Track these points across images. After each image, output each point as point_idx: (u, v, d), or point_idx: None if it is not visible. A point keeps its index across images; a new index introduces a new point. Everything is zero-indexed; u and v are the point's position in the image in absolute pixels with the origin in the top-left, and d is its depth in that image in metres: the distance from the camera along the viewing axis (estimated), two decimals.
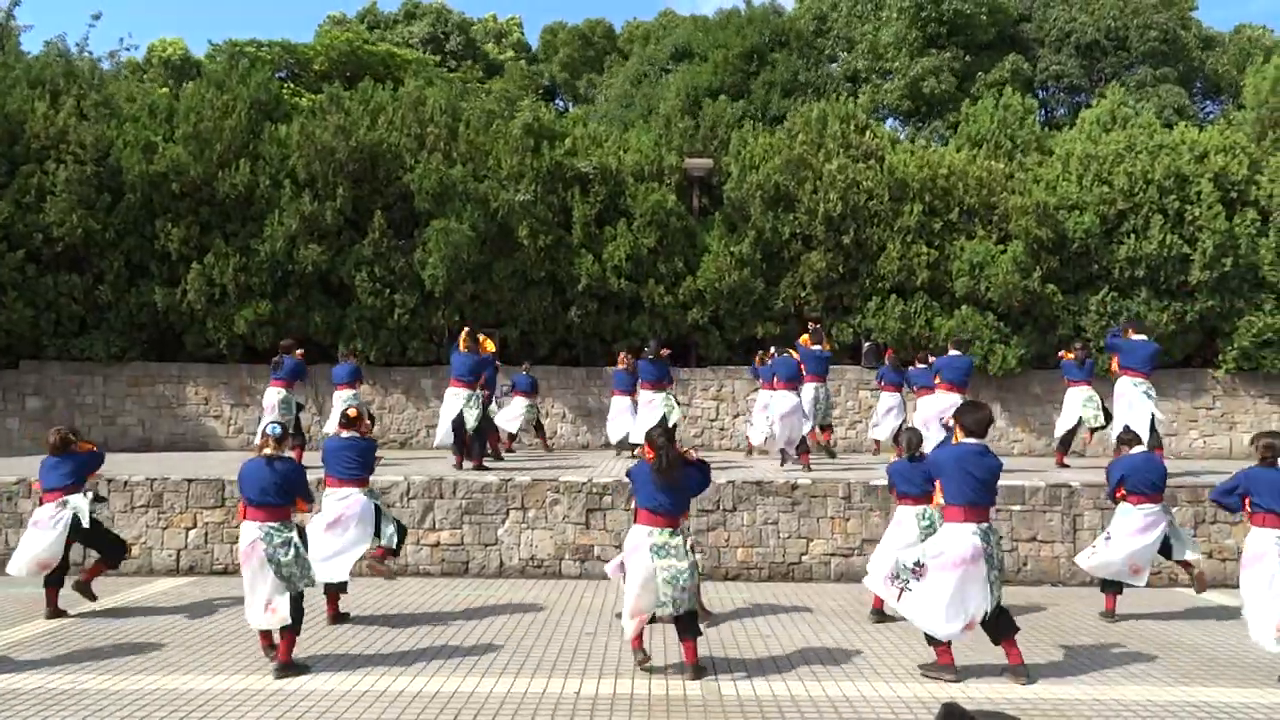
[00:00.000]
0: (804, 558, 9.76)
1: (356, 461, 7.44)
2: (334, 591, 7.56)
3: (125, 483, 10.02)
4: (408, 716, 5.48)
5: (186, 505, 9.90)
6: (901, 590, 6.16)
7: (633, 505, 6.66)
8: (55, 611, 7.76)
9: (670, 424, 10.96)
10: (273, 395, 11.48)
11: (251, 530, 6.27)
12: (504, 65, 31.46)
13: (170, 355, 14.61)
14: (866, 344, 14.43)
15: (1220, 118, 20.83)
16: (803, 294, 14.48)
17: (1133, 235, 14.05)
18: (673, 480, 6.04)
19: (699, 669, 6.18)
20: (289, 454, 6.72)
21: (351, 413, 7.76)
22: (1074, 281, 14.38)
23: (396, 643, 7.07)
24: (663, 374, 11.89)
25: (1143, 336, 10.69)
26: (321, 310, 14.30)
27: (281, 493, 6.32)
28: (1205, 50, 24.44)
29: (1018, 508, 9.78)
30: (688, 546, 6.13)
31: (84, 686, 5.99)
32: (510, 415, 13.29)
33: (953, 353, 11.56)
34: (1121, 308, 14.05)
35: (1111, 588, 7.99)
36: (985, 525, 6.07)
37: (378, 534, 7.49)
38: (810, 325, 12.62)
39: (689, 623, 6.15)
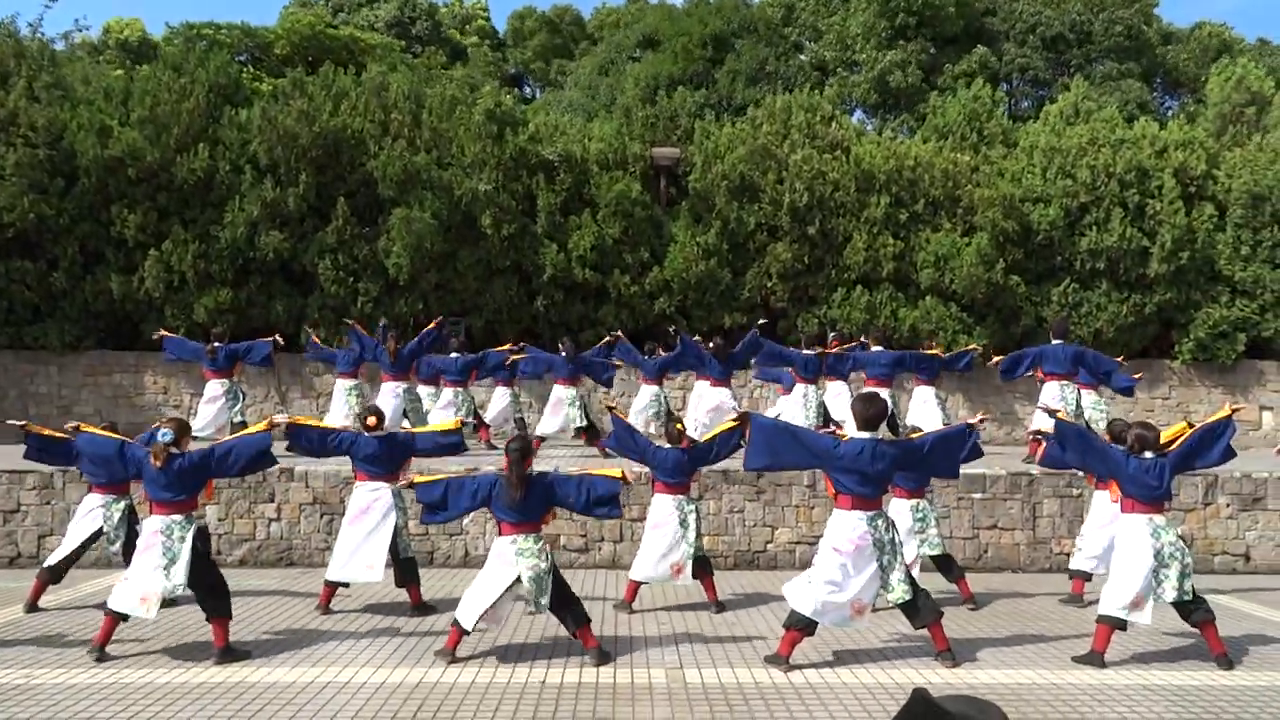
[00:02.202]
0: (769, 546, 9.82)
1: (386, 458, 7.46)
2: (333, 585, 7.57)
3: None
4: (370, 708, 5.43)
5: (145, 496, 9.70)
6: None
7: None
8: (34, 606, 7.62)
9: (576, 425, 11.69)
10: (216, 387, 11.28)
11: (155, 522, 6.31)
12: (468, 50, 31.19)
13: (127, 344, 14.32)
14: (832, 334, 14.51)
15: (1180, 113, 21.19)
16: (769, 284, 14.52)
17: (1094, 228, 14.26)
18: (513, 499, 6.20)
19: (600, 654, 6.31)
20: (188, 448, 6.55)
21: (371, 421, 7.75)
22: (1037, 273, 14.56)
23: (361, 634, 7.01)
24: (577, 370, 11.81)
25: (1060, 341, 11.09)
26: (283, 299, 14.09)
27: (184, 487, 6.33)
28: (1166, 46, 24.80)
29: (979, 495, 9.91)
30: (542, 548, 6.31)
31: (38, 681, 5.86)
32: (497, 408, 12.63)
33: (875, 349, 11.70)
34: (1082, 299, 14.27)
35: (1080, 574, 8.11)
36: (874, 513, 6.13)
37: (396, 550, 7.47)
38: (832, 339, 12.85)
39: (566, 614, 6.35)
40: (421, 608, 7.58)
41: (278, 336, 11.96)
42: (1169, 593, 6.23)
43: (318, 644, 6.74)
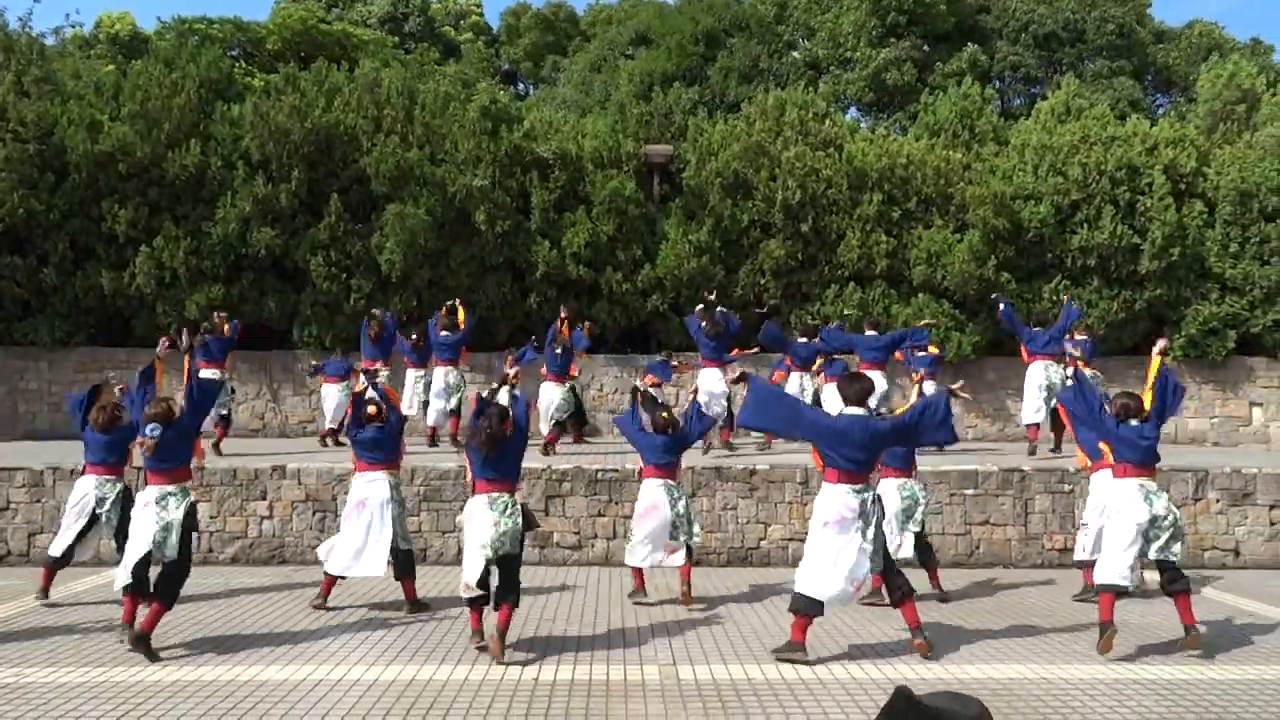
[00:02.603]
0: (762, 543, 9.83)
1: (385, 445, 7.61)
2: (334, 577, 7.58)
3: (72, 470, 9.76)
4: (363, 706, 5.42)
5: (137, 492, 9.68)
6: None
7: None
8: (46, 593, 7.70)
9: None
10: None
11: (150, 492, 6.52)
12: (462, 47, 31.14)
13: (118, 340, 14.26)
14: (824, 331, 14.51)
15: (1171, 110, 21.26)
16: (762, 281, 14.54)
17: (1085, 225, 14.30)
18: (490, 452, 6.39)
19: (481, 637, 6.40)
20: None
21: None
22: (1028, 270, 14.60)
23: (353, 631, 7.01)
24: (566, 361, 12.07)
25: (1040, 328, 11.48)
26: (275, 295, 14.05)
27: (174, 454, 6.59)
28: (1158, 45, 24.89)
29: (971, 491, 9.94)
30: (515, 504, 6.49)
31: (28, 680, 5.85)
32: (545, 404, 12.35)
33: (869, 332, 11.99)
34: (1073, 296, 14.31)
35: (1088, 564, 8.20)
36: (860, 486, 6.24)
37: (394, 541, 7.49)
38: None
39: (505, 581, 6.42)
40: (415, 605, 7.58)
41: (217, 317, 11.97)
42: (1153, 551, 6.42)
43: (310, 642, 6.73)
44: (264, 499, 9.78)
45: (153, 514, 6.38)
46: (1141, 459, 6.56)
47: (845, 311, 14.23)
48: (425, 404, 11.94)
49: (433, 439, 12.09)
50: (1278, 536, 10.11)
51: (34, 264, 13.68)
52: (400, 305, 14.05)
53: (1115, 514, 6.61)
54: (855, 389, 6.40)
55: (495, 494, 6.40)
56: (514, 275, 14.43)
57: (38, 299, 13.79)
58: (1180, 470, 10.17)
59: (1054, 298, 14.28)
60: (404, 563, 7.60)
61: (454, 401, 11.80)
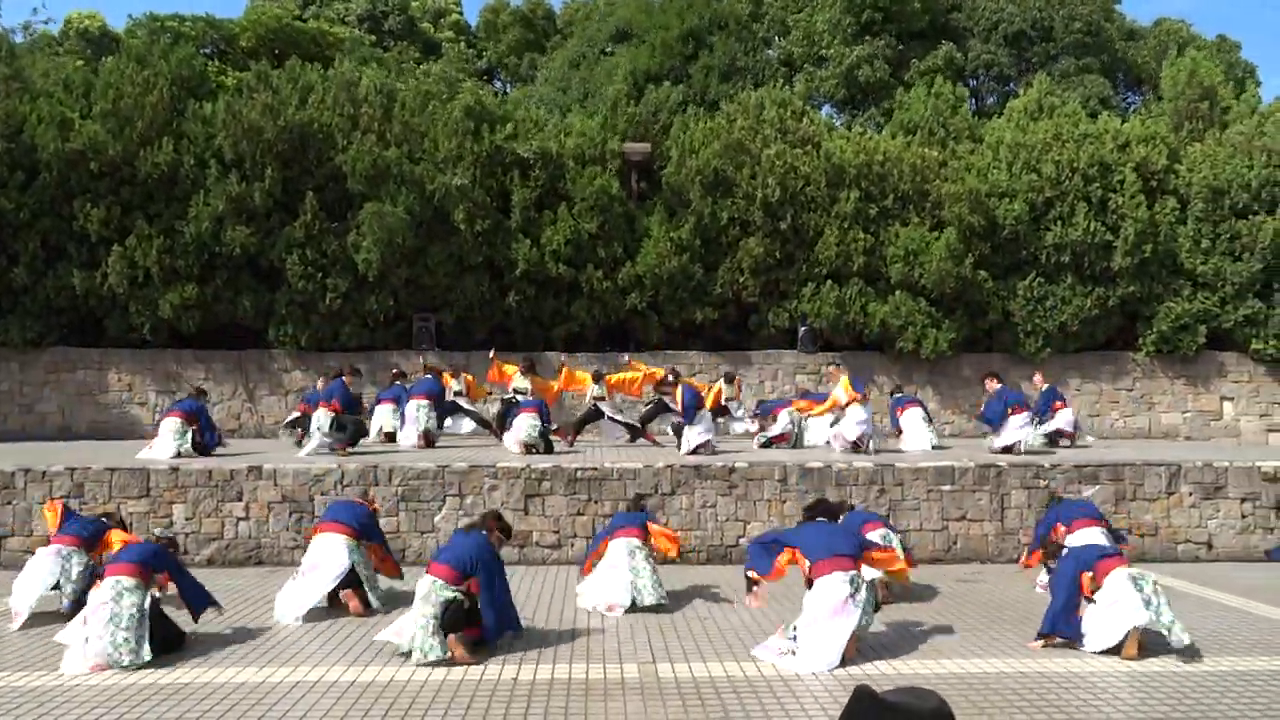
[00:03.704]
0: (741, 540, 9.84)
1: (348, 514, 7.78)
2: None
3: (44, 472, 9.64)
4: (341, 707, 5.39)
5: (109, 495, 9.57)
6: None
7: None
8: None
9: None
10: (169, 424, 10.80)
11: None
12: (442, 45, 31.00)
13: (91, 340, 14.10)
14: (803, 329, 14.59)
15: (1141, 108, 21.51)
16: (740, 279, 14.57)
17: (1059, 222, 14.45)
18: None
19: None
20: None
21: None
22: (1003, 267, 14.73)
23: (329, 632, 6.96)
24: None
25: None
26: (250, 294, 13.93)
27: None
28: (1127, 42, 25.17)
29: (947, 487, 10.01)
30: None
31: None
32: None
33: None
34: (1047, 292, 14.45)
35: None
36: (853, 573, 6.34)
37: (360, 584, 7.54)
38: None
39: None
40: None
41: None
42: (1165, 621, 6.28)
43: (287, 644, 6.68)
44: (240, 500, 9.69)
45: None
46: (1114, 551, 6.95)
47: (823, 309, 14.29)
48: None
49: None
50: (1249, 529, 10.26)
51: (4, 264, 13.50)
52: (377, 305, 13.98)
53: (1108, 598, 6.51)
54: (825, 510, 7.14)
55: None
56: (493, 274, 14.38)
57: (8, 299, 13.61)
58: (1153, 464, 10.30)
59: (1029, 294, 14.42)
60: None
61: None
